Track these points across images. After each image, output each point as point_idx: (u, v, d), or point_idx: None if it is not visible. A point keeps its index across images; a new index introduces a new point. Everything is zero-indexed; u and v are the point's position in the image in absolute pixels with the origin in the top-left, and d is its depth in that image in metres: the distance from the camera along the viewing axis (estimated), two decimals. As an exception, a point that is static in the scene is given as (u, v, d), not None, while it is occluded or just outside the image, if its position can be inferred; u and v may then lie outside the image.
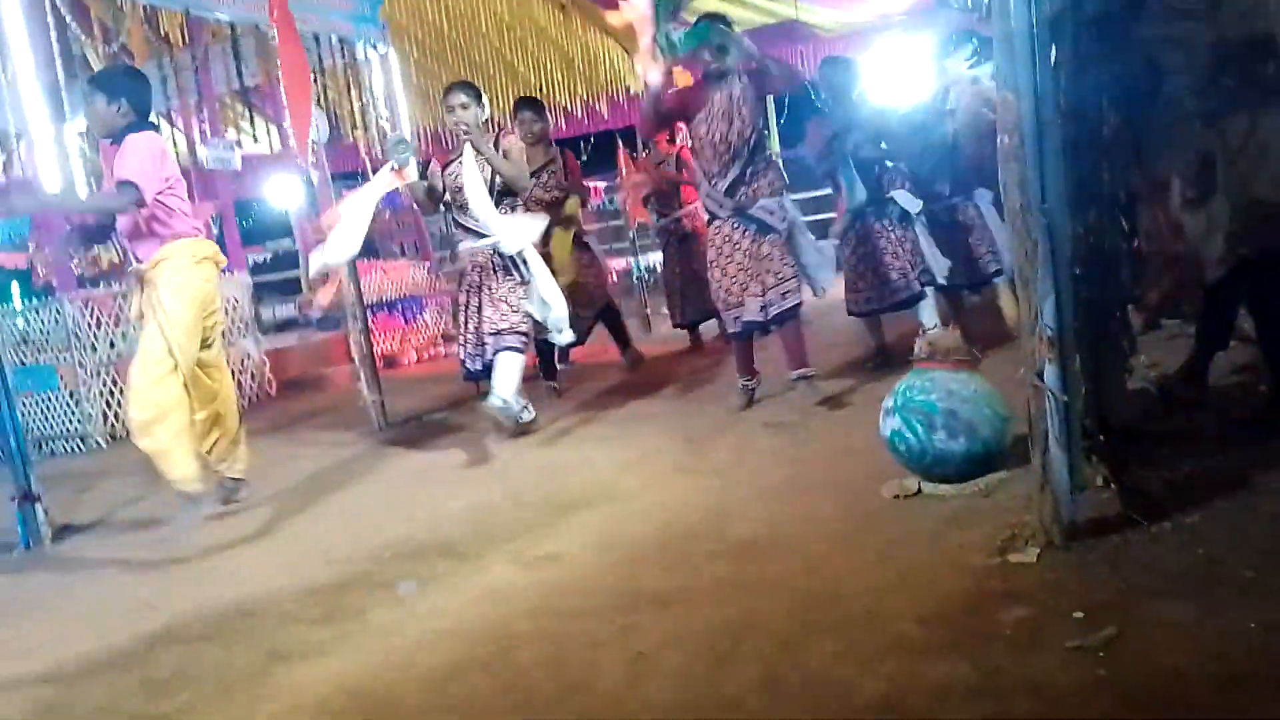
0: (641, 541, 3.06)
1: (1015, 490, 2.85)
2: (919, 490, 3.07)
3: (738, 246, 4.61)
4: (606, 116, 14.19)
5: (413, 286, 9.54)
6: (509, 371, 4.76)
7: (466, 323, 4.94)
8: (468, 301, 4.93)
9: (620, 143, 9.99)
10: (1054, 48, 2.45)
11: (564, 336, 4.99)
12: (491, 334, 4.79)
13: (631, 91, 14.10)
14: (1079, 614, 2.08)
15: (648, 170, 7.53)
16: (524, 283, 4.79)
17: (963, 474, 3.01)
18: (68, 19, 6.81)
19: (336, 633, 2.70)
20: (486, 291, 4.84)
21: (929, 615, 2.23)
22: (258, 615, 2.91)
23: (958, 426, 2.97)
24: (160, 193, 3.78)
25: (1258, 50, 2.84)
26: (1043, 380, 2.37)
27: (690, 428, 4.58)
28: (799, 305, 4.62)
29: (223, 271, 8.07)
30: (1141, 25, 2.83)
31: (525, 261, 4.77)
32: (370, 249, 10.55)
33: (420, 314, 9.32)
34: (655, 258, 9.76)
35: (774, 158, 4.80)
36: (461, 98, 4.89)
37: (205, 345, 3.98)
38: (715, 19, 4.76)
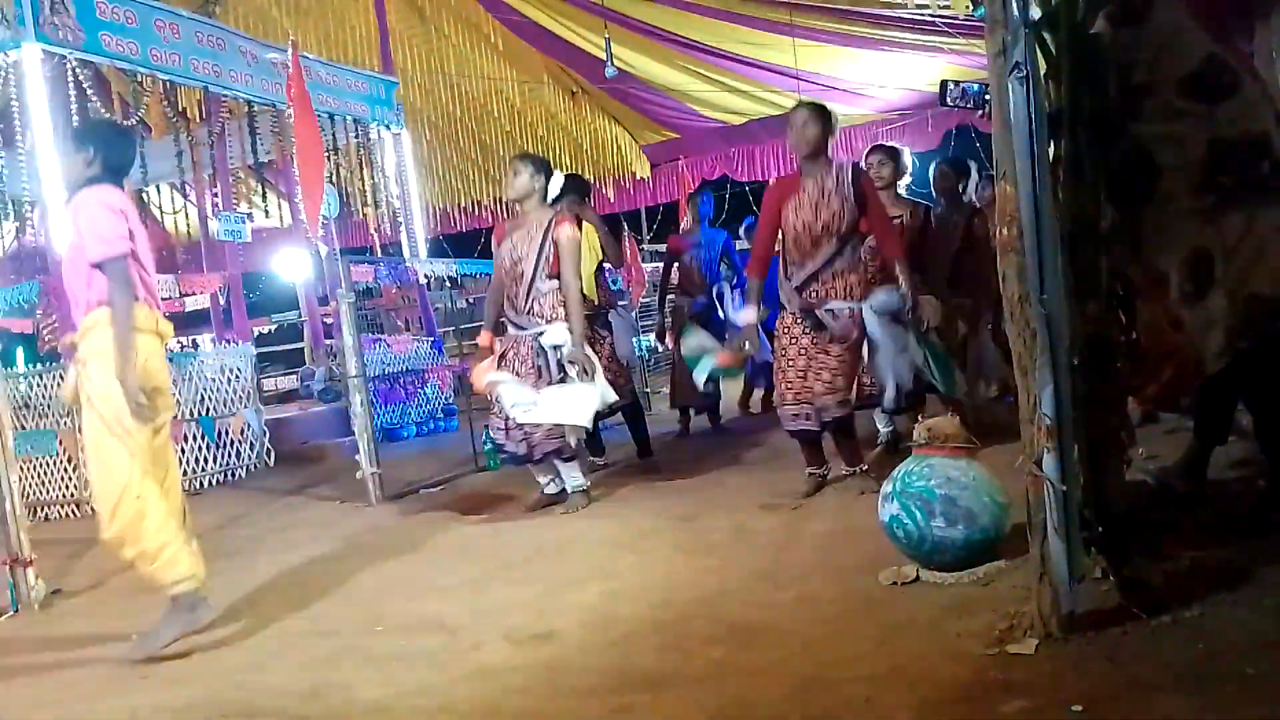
0: (636, 621, 3.03)
1: (1014, 579, 2.83)
2: (917, 577, 3.05)
3: (796, 341, 4.45)
4: (612, 199, 14.47)
5: (415, 360, 9.57)
6: (568, 469, 4.87)
7: (503, 415, 4.81)
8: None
9: (625, 226, 10.11)
10: (1052, 143, 2.52)
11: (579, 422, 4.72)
12: (531, 433, 4.71)
13: (638, 176, 14.41)
14: (1078, 707, 2.05)
15: (678, 247, 7.43)
16: (560, 381, 4.68)
17: (961, 561, 2.99)
18: (89, 91, 6.95)
19: (322, 708, 2.66)
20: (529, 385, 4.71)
21: (926, 705, 2.20)
22: (244, 688, 2.87)
23: (956, 513, 2.97)
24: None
25: (1253, 149, 2.90)
26: (1041, 469, 2.38)
27: (687, 507, 4.56)
28: (848, 415, 4.40)
29: (226, 341, 8.14)
30: (1139, 123, 2.90)
31: (563, 361, 4.67)
32: (375, 323, 10.64)
33: (422, 388, 9.34)
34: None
35: (860, 260, 4.52)
36: (515, 165, 4.89)
37: (153, 432, 3.42)
38: None
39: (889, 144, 5.77)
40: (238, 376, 7.52)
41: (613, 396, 4.84)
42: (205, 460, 7.19)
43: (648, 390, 8.71)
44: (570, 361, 4.66)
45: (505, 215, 5.15)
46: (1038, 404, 2.38)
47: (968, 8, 7.77)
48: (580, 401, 4.64)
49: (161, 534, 3.29)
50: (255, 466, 7.54)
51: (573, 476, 4.91)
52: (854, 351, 4.42)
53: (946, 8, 8.20)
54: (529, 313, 4.78)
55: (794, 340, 4.46)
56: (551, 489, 5.01)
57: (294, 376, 11.40)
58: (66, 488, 6.39)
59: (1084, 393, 2.47)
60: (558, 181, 4.96)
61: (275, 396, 10.80)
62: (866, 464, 4.58)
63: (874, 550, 3.26)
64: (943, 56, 10.14)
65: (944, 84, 5.03)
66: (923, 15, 8.83)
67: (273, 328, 13.79)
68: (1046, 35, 2.54)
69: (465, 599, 3.51)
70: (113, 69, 7.56)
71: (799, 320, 4.43)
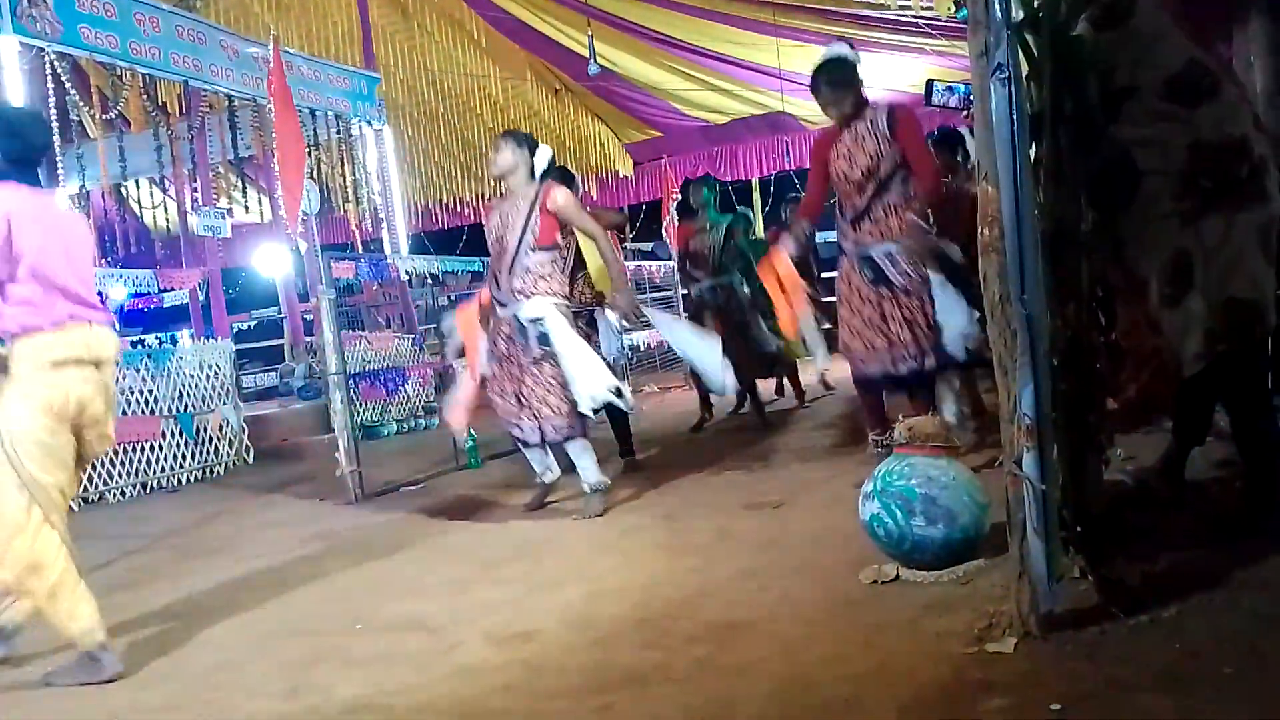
0: (618, 620, 3.03)
1: (993, 578, 2.84)
2: (897, 576, 3.06)
3: (858, 291, 4.37)
4: (595, 197, 14.47)
5: (396, 358, 9.54)
6: (583, 458, 4.67)
7: (502, 394, 4.67)
8: (495, 373, 4.70)
9: (679, 225, 10.08)
10: (1034, 144, 2.53)
11: (598, 400, 4.55)
12: (539, 416, 4.58)
13: (621, 174, 14.41)
14: (1056, 706, 2.06)
15: (686, 234, 7.32)
16: (550, 356, 4.55)
17: (941, 560, 3.01)
18: (67, 85, 6.89)
19: (301, 708, 2.64)
20: (518, 365, 4.61)
21: (907, 704, 2.20)
22: (222, 688, 2.85)
23: (937, 513, 2.98)
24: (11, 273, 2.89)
25: (1233, 153, 2.92)
26: (1021, 469, 2.39)
27: (669, 506, 4.56)
28: (938, 367, 4.22)
29: (205, 337, 8.09)
30: (1119, 126, 2.92)
31: (548, 332, 4.53)
32: (355, 320, 10.60)
33: (402, 385, 9.31)
34: (641, 336, 9.79)
35: (910, 199, 4.33)
36: (498, 142, 4.78)
37: (82, 463, 3.15)
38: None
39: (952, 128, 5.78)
40: (217, 373, 7.48)
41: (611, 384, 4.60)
42: (183, 457, 7.14)
43: (632, 389, 8.70)
44: (617, 311, 4.64)
45: (488, 211, 5.03)
46: (1018, 404, 2.39)
47: (950, 9, 7.81)
48: (591, 372, 4.52)
49: (59, 590, 2.94)
50: (234, 464, 7.50)
51: (590, 472, 4.67)
52: (925, 298, 4.26)
53: (929, 9, 8.24)
54: (511, 290, 4.61)
55: (855, 289, 4.38)
56: (549, 477, 4.86)
57: (274, 373, 11.34)
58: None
59: (1064, 393, 2.49)
60: (544, 155, 4.82)
61: (254, 393, 10.74)
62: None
63: (855, 550, 3.27)
64: (926, 57, 10.19)
65: (929, 84, 5.02)
66: (906, 16, 8.86)
67: (252, 324, 13.71)
68: (1029, 37, 2.56)
69: (446, 598, 3.50)
70: (91, 62, 7.49)
71: (857, 268, 4.36)
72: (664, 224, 10.38)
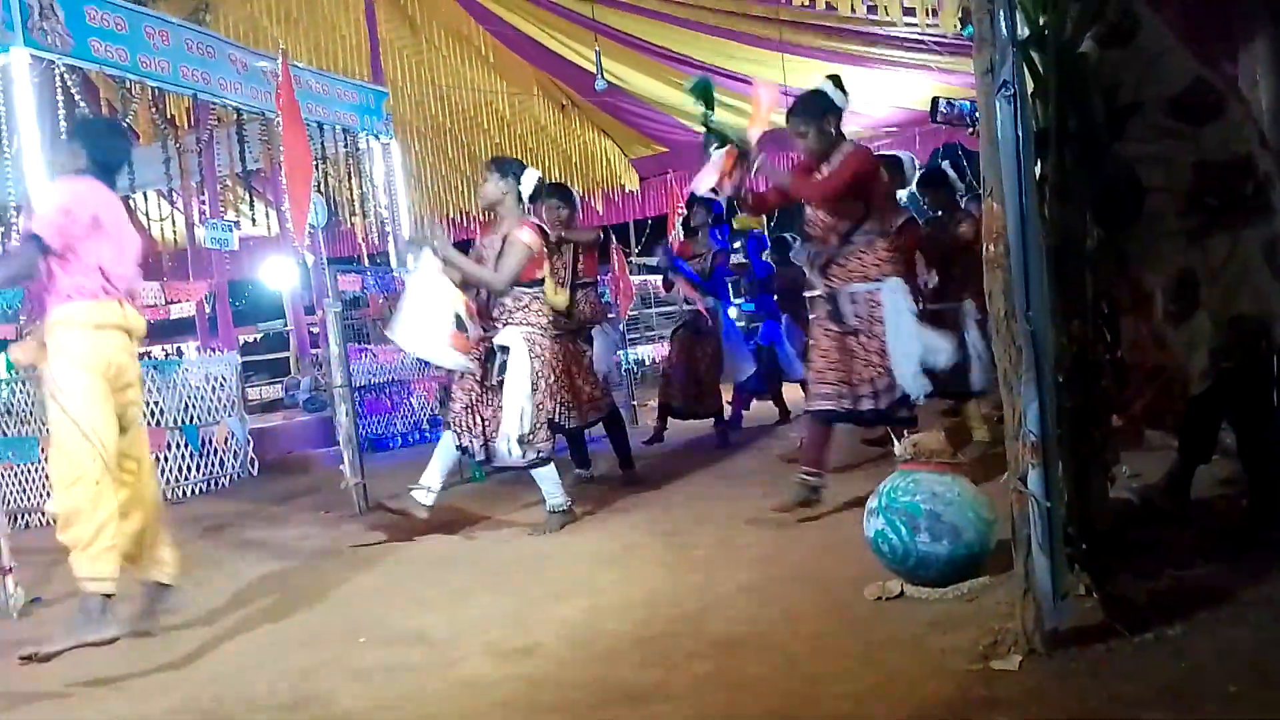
0: (619, 636, 3.02)
1: (998, 595, 2.83)
2: (901, 592, 3.05)
3: (822, 325, 4.37)
4: (601, 212, 14.51)
5: (401, 371, 9.54)
6: (544, 483, 4.72)
7: (465, 408, 4.73)
8: (465, 390, 4.76)
9: (614, 238, 10.12)
10: (1039, 161, 2.54)
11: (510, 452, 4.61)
12: (496, 435, 4.63)
13: (627, 189, 14.44)
14: (1061, 724, 2.05)
15: (682, 253, 7.35)
16: (499, 381, 4.63)
17: (946, 577, 2.99)
18: (77, 97, 6.93)
19: (303, 719, 2.63)
20: (484, 384, 4.69)
21: (910, 720, 2.19)
22: (224, 699, 2.85)
23: (941, 529, 2.97)
24: (71, 242, 3.28)
25: (1238, 171, 2.93)
26: (1026, 486, 2.38)
27: (671, 522, 4.55)
28: (897, 405, 4.19)
29: (211, 349, 8.10)
30: (1125, 143, 2.93)
31: (505, 357, 4.61)
32: (361, 333, 10.62)
33: (407, 398, 9.31)
34: (646, 350, 9.83)
35: (876, 240, 4.32)
36: (483, 172, 4.87)
37: (121, 429, 3.40)
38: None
39: (894, 153, 5.78)
40: (222, 385, 7.48)
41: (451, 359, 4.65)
42: (189, 469, 7.14)
43: (634, 403, 8.70)
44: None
45: (484, 232, 5.08)
46: (1022, 420, 2.39)
47: (956, 26, 7.83)
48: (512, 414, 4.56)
49: (101, 530, 3.23)
50: (239, 476, 7.50)
51: (551, 494, 4.74)
52: (883, 338, 4.23)
53: (935, 26, 8.26)
54: (491, 317, 4.73)
55: (820, 323, 4.39)
56: (426, 498, 4.79)
57: (279, 385, 11.35)
58: (47, 495, 6.33)
59: (1069, 410, 2.48)
60: (531, 179, 4.83)
61: (260, 405, 10.75)
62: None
63: (859, 565, 3.26)
64: (931, 74, 10.21)
65: (935, 100, 4.99)
66: (912, 34, 8.89)
67: (258, 336, 13.74)
68: (1034, 54, 2.56)
69: (447, 611, 3.49)
70: (101, 75, 7.53)
71: (824, 304, 4.37)
72: (669, 239, 10.39)
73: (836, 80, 4.41)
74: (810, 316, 4.51)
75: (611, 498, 5.36)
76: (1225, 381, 2.97)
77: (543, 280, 4.83)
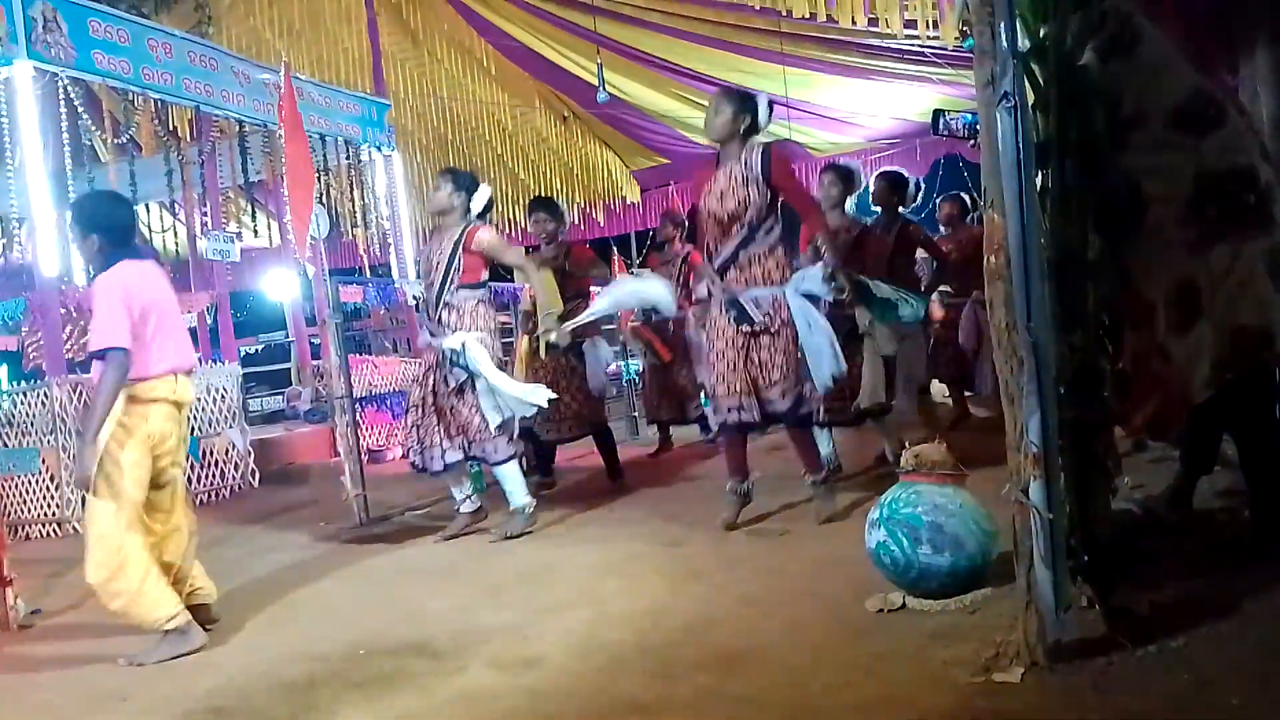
0: (622, 647, 3.01)
1: (1000, 607, 2.82)
2: (903, 604, 3.04)
3: (723, 335, 4.37)
4: (602, 224, 14.53)
5: (402, 382, 9.54)
6: (509, 482, 4.81)
7: (415, 424, 4.89)
8: (421, 401, 4.89)
9: (615, 249, 10.15)
10: (1040, 173, 2.54)
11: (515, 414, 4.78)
12: (458, 437, 4.78)
13: (628, 201, 14.47)
14: (1064, 736, 2.05)
15: (651, 265, 7.52)
16: (469, 384, 4.74)
17: (947, 589, 2.99)
18: (80, 110, 6.96)
19: (306, 732, 2.63)
20: (442, 393, 4.81)
21: (912, 733, 2.19)
22: (226, 711, 2.84)
23: (943, 541, 2.96)
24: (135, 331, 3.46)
25: (1239, 182, 2.93)
26: (1028, 497, 2.38)
27: (674, 532, 4.54)
28: (798, 404, 4.29)
29: (213, 361, 8.11)
30: (1126, 154, 2.93)
31: (466, 360, 4.71)
32: (362, 344, 10.65)
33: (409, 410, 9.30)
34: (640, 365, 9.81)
35: (778, 244, 4.39)
36: (437, 180, 5.00)
37: (157, 486, 3.62)
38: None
39: (843, 164, 5.85)
40: (223, 396, 7.48)
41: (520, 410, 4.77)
42: (190, 480, 7.12)
43: (634, 414, 8.68)
44: (479, 372, 4.69)
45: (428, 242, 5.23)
46: (1024, 432, 2.38)
47: (957, 39, 7.86)
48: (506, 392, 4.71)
49: (143, 586, 3.41)
50: (239, 487, 7.49)
51: (515, 494, 4.82)
52: (789, 340, 4.30)
53: (936, 38, 8.28)
54: (439, 321, 4.85)
55: (721, 333, 4.39)
56: (468, 506, 4.98)
57: (280, 397, 11.34)
58: (48, 506, 6.34)
59: (1070, 421, 2.48)
60: (482, 195, 4.99)
61: (261, 416, 10.73)
62: (824, 475, 4.50)
63: (861, 577, 3.25)
64: (932, 86, 10.24)
65: (937, 113, 5.02)
66: (913, 46, 8.91)
67: (259, 347, 13.73)
68: (1035, 66, 2.57)
69: (450, 623, 3.48)
70: (104, 87, 7.57)
71: (724, 311, 4.37)
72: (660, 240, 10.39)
73: (771, 106, 4.56)
74: (700, 323, 4.58)
75: (613, 508, 5.35)
76: (1227, 393, 2.97)
77: (486, 283, 4.99)
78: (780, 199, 4.40)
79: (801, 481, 4.56)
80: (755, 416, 4.35)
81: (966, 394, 7.36)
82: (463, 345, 4.72)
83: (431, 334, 4.89)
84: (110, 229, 3.61)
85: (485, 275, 4.95)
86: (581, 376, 5.84)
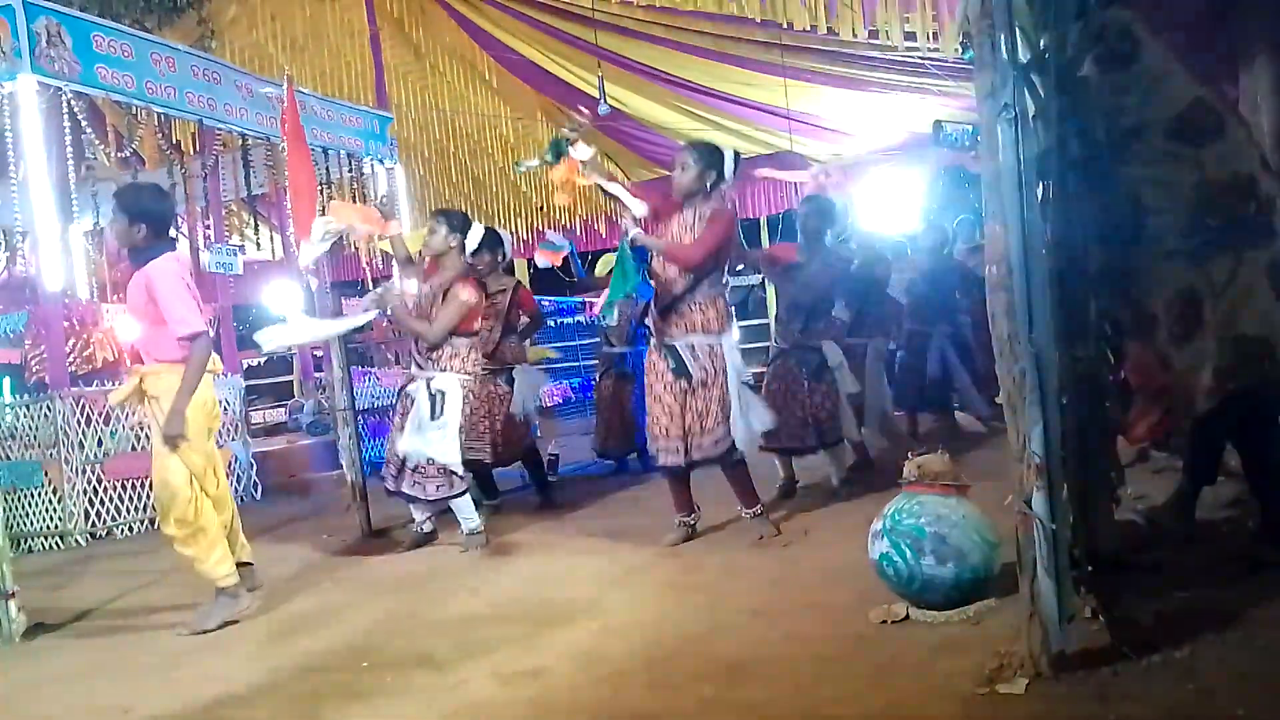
0: (626, 659, 3.01)
1: (1004, 618, 2.82)
2: (907, 616, 3.03)
3: (662, 379, 4.47)
4: (604, 235, 14.53)
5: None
6: (461, 510, 4.96)
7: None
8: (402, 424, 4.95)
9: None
10: (1041, 183, 2.55)
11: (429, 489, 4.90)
12: (418, 471, 4.88)
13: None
14: (1069, 747, 2.04)
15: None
16: (434, 420, 4.82)
17: (951, 600, 2.98)
18: (83, 123, 6.98)
19: (309, 744, 2.63)
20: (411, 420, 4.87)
21: (917, 744, 2.18)
22: (229, 723, 2.84)
23: (947, 552, 2.96)
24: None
25: (1240, 192, 2.94)
26: (1031, 508, 2.38)
27: (675, 543, 4.53)
28: (730, 451, 4.40)
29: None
30: (1126, 166, 2.94)
31: (442, 400, 4.83)
32: (365, 356, 10.64)
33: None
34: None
35: (720, 296, 4.49)
36: (431, 223, 5.12)
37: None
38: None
39: (826, 197, 5.92)
40: (226, 409, 7.48)
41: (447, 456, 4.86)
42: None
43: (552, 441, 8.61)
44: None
45: (427, 273, 5.28)
46: (1027, 443, 2.38)
47: (958, 50, 7.87)
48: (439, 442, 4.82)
49: (214, 542, 3.93)
50: (242, 499, 7.47)
51: (466, 519, 4.97)
52: (723, 388, 4.39)
53: (937, 50, 8.30)
54: (427, 358, 4.97)
55: (660, 377, 4.49)
56: (427, 527, 5.14)
57: (283, 409, 11.34)
58: (51, 519, 6.34)
59: (1073, 431, 2.48)
60: (476, 234, 5.19)
61: (263, 429, 10.73)
62: (763, 507, 4.60)
63: (864, 588, 3.25)
64: (933, 98, 10.25)
65: (937, 124, 5.05)
66: (913, 57, 8.93)
67: (262, 360, 13.73)
68: (1035, 77, 2.58)
69: (452, 634, 3.48)
70: (108, 101, 7.59)
71: (664, 357, 4.46)
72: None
73: (737, 157, 4.60)
74: (647, 365, 4.63)
75: (615, 519, 5.35)
76: (1230, 403, 2.97)
77: (478, 332, 5.17)
78: (730, 251, 4.55)
79: (740, 512, 4.63)
80: (681, 461, 4.45)
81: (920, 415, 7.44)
82: (445, 387, 4.86)
83: (420, 366, 4.99)
84: (157, 219, 3.95)
85: (476, 326, 5.10)
86: (509, 403, 5.91)
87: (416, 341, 5.06)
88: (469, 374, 5.00)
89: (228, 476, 7.22)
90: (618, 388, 7.07)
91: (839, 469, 5.35)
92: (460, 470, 4.90)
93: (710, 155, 4.48)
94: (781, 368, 5.37)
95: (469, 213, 6.24)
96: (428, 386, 4.87)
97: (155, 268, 3.88)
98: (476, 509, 5.09)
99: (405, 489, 4.93)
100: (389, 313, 5.10)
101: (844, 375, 5.32)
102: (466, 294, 4.93)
